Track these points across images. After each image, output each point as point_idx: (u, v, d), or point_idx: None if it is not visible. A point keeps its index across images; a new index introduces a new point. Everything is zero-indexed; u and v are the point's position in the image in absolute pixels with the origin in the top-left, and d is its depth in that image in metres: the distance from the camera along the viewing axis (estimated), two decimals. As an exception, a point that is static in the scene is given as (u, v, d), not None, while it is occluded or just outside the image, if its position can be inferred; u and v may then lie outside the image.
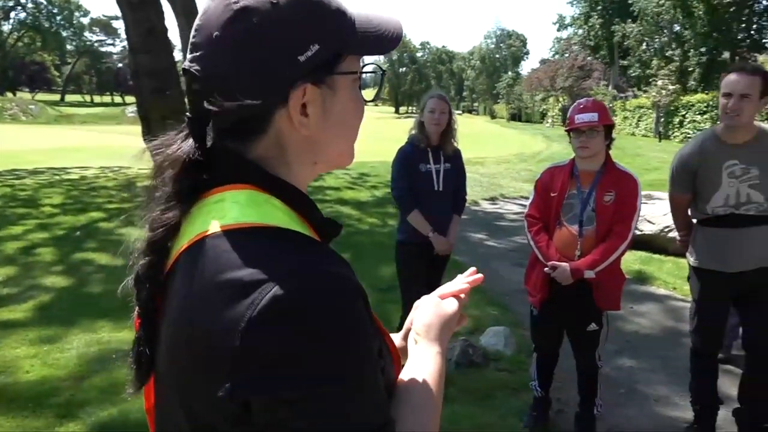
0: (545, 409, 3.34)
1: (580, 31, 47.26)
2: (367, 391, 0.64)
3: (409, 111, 79.31)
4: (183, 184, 0.71)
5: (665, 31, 31.70)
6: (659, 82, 27.60)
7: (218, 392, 0.59)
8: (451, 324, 0.89)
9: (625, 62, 36.57)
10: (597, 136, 2.90)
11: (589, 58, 42.31)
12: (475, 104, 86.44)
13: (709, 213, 3.00)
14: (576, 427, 3.18)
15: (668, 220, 7.11)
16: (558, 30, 59.30)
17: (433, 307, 0.91)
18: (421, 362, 0.82)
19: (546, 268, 2.96)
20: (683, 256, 7.01)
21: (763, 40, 29.14)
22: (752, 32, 28.61)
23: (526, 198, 11.18)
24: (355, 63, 0.77)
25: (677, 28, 30.83)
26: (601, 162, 2.97)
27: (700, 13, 27.29)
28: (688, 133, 26.29)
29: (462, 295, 0.95)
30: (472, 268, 1.02)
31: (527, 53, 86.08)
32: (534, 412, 3.30)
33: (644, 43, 33.55)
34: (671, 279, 6.16)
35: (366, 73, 0.80)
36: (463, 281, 0.97)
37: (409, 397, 0.75)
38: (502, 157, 17.57)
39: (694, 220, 3.18)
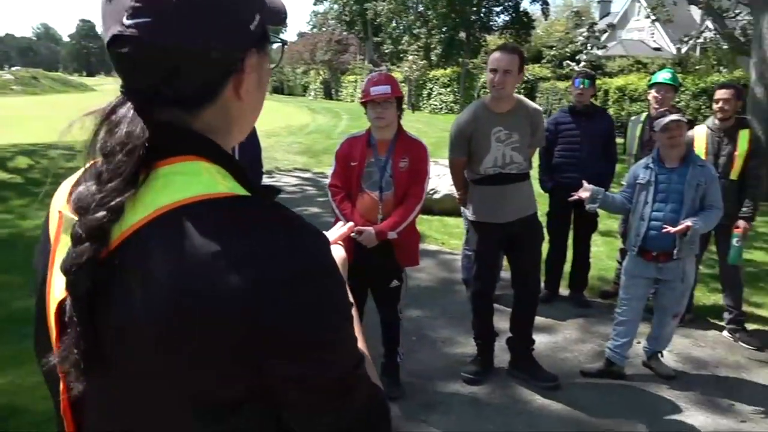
0: (354, 365, 3.55)
1: (336, 6, 48.76)
2: (353, 331, 0.71)
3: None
4: (137, 165, 0.65)
5: (411, 10, 34.36)
6: (410, 58, 29.93)
7: (235, 362, 0.61)
8: (345, 266, 0.98)
9: (379, 38, 38.85)
10: (390, 107, 3.12)
11: (345, 32, 43.99)
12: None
13: (482, 173, 3.44)
14: (384, 377, 3.45)
15: (433, 183, 7.91)
16: (314, 4, 60.33)
17: None
18: None
19: (352, 233, 3.13)
20: (447, 215, 7.85)
21: (491, 23, 33.44)
22: (482, 15, 32.56)
23: (301, 170, 11.52)
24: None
25: (421, 8, 33.67)
26: (394, 131, 3.20)
27: (440, -6, 30.23)
28: (436, 105, 29.04)
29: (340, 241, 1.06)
30: (340, 222, 1.13)
31: (285, 26, 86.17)
32: (344, 369, 3.50)
33: (394, 21, 35.93)
34: (439, 235, 6.88)
35: (277, 42, 0.82)
36: (339, 229, 1.08)
37: None
38: (272, 131, 17.50)
39: (470, 181, 3.62)
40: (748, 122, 4.42)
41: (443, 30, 31.86)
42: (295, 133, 17.92)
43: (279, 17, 0.80)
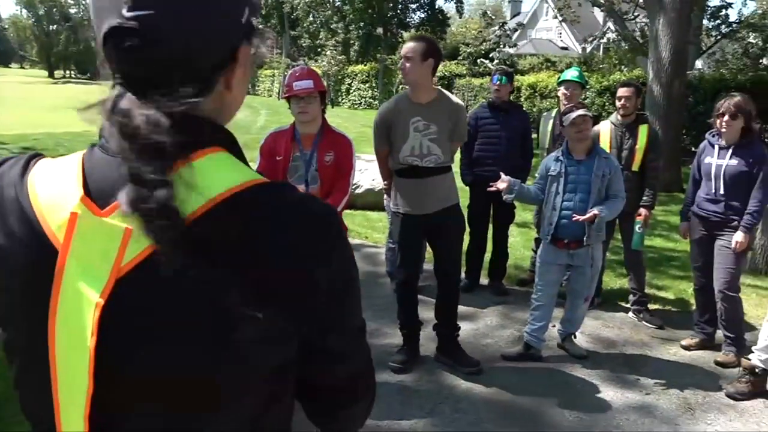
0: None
1: None
2: None
3: (67, 75, 69.93)
4: (172, 146, 0.67)
5: (328, 4, 34.22)
6: (328, 53, 29.82)
7: (300, 308, 0.72)
8: None
9: (296, 32, 38.40)
10: (314, 101, 3.14)
11: (261, 26, 43.07)
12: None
13: (401, 162, 3.53)
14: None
15: (355, 178, 7.97)
16: (227, -4, 58.42)
17: None
18: None
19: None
20: (370, 209, 7.92)
21: (407, 19, 33.90)
22: (398, 11, 32.94)
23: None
24: None
25: (338, 3, 33.64)
26: (318, 125, 3.23)
27: (357, -10, 30.30)
28: (355, 100, 29.10)
29: None
30: None
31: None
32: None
33: (311, 15, 35.62)
34: (362, 229, 6.95)
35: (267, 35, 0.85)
36: None
37: None
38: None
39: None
40: (647, 118, 4.77)
41: (361, 25, 31.95)
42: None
43: (259, 9, 0.84)
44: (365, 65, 29.40)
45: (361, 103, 28.79)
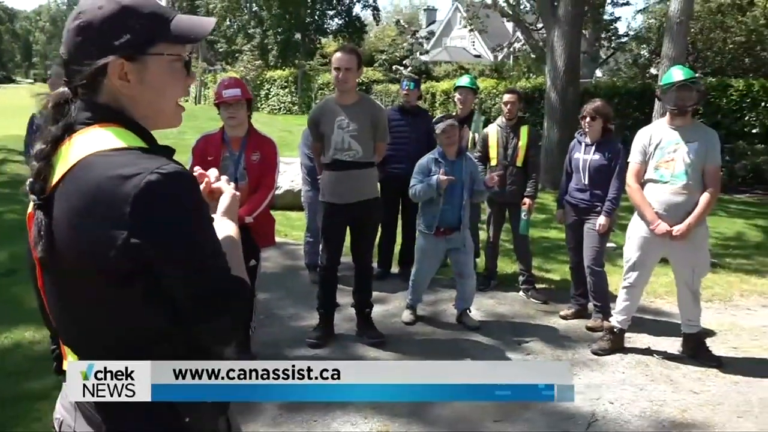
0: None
1: (164, 2, 46.57)
2: (212, 232, 1.13)
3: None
4: (61, 116, 1.12)
5: (245, 9, 34.12)
6: (245, 58, 29.71)
7: (120, 237, 1.01)
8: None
9: (212, 37, 37.91)
10: (241, 108, 3.55)
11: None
12: (50, 72, 76.45)
13: (329, 156, 4.00)
14: (235, 350, 3.82)
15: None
16: (139, -3, 56.56)
17: None
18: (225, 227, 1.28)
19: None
20: (289, 209, 8.25)
21: (325, 25, 34.39)
22: (316, 17, 33.36)
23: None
24: (174, 48, 1.18)
25: (256, 8, 33.60)
26: (245, 129, 3.64)
27: (273, -5, 30.44)
28: (274, 105, 29.07)
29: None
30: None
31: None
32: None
33: (228, 20, 35.36)
34: (282, 228, 7.25)
35: (173, 56, 1.18)
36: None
37: (226, 242, 1.20)
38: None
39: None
40: (527, 119, 5.44)
41: (279, 31, 32.04)
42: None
43: (188, 38, 1.19)
44: (284, 70, 29.47)
45: (280, 108, 28.79)
